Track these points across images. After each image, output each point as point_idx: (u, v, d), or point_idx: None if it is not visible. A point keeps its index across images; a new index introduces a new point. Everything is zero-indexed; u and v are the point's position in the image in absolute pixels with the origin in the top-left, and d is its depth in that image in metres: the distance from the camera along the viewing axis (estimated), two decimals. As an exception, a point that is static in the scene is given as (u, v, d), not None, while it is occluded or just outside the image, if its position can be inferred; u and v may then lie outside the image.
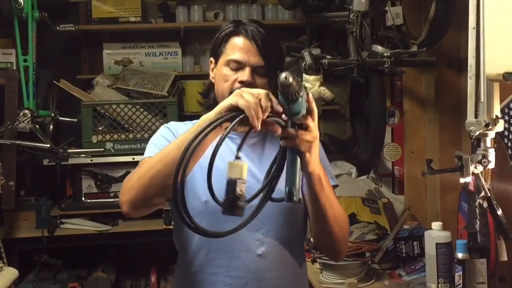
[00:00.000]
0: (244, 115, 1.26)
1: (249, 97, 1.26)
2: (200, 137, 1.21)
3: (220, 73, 1.59)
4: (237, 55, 1.57)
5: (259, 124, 1.26)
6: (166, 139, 1.61)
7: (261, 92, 1.29)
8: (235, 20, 1.67)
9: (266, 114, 1.28)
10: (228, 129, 1.22)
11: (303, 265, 1.71)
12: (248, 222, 1.29)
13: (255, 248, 1.57)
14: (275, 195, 1.33)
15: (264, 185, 1.32)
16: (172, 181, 1.19)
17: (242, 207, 1.21)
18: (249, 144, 1.61)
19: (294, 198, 1.30)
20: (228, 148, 1.56)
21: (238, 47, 1.58)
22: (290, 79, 1.21)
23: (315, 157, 1.37)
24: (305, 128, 1.33)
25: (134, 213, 1.47)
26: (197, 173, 1.47)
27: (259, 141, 1.66)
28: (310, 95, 1.34)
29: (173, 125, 1.69)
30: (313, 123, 1.33)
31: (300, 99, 1.26)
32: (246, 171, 1.23)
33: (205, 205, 1.53)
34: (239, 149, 1.25)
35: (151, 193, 1.41)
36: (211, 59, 1.66)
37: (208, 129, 1.22)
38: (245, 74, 1.55)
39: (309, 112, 1.33)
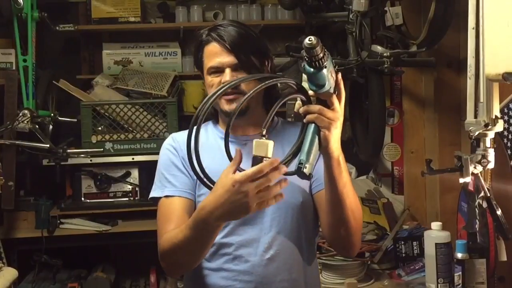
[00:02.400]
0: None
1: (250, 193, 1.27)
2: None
3: (207, 82, 1.61)
4: (212, 62, 1.59)
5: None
6: (173, 164, 1.63)
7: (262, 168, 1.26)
8: (208, 28, 1.65)
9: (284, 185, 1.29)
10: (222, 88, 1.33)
11: (313, 263, 1.70)
12: None
13: (264, 252, 1.56)
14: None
15: (285, 158, 1.36)
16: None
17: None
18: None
19: (304, 170, 1.30)
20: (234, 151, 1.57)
21: (211, 53, 1.59)
22: (314, 41, 1.24)
23: (335, 138, 1.38)
24: (329, 107, 1.35)
25: (179, 275, 1.61)
26: (214, 178, 1.51)
27: None
28: (340, 76, 1.36)
29: (170, 142, 1.69)
30: (338, 104, 1.37)
31: (324, 70, 1.28)
32: (271, 148, 1.26)
33: None
34: (265, 130, 1.28)
35: (185, 267, 1.56)
36: (200, 73, 1.69)
37: None
38: (226, 75, 1.57)
39: (336, 93, 1.36)
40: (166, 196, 1.60)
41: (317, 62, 1.26)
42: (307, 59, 1.27)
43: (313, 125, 1.35)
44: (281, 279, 1.58)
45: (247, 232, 1.57)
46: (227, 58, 1.57)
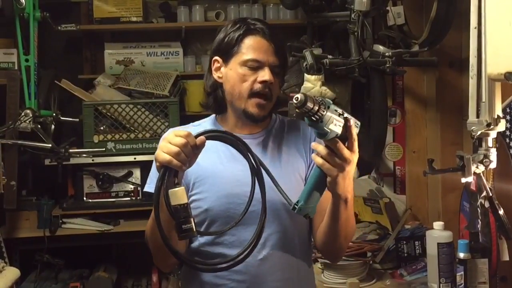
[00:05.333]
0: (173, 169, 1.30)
1: (169, 148, 1.30)
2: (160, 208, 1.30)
3: (236, 73, 1.57)
4: (256, 55, 1.55)
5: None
6: None
7: (182, 134, 1.31)
8: (241, 19, 1.64)
9: (199, 150, 1.32)
10: (160, 180, 1.29)
11: (309, 267, 1.71)
12: (259, 237, 1.40)
13: (256, 252, 1.55)
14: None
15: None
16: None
17: (190, 228, 1.28)
18: (254, 144, 1.60)
19: (297, 211, 1.36)
20: (229, 152, 1.56)
21: (255, 46, 1.56)
22: (301, 98, 1.24)
23: (343, 183, 1.36)
24: (336, 153, 1.32)
25: (171, 270, 1.59)
26: (207, 179, 1.56)
27: (262, 141, 1.65)
28: (352, 122, 1.32)
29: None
30: (345, 151, 1.32)
31: (321, 122, 1.26)
32: (184, 194, 1.28)
33: (206, 213, 1.57)
34: (177, 178, 1.31)
35: (166, 260, 1.59)
36: (217, 58, 1.62)
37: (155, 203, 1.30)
38: (266, 74, 1.55)
39: (345, 138, 1.32)
40: None
41: (312, 116, 1.26)
42: (302, 114, 1.28)
43: (320, 168, 1.35)
44: (274, 279, 1.58)
45: (241, 232, 1.55)
46: (272, 57, 1.57)
